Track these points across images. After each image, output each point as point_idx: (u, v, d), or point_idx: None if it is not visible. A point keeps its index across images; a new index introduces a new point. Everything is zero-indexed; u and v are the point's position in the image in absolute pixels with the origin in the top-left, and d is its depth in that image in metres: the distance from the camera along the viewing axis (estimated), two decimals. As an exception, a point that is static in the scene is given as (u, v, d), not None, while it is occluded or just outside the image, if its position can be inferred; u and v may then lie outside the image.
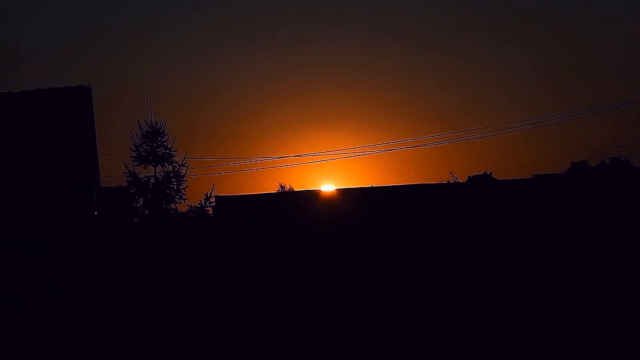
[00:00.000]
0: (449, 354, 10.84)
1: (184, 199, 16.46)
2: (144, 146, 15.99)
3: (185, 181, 16.64)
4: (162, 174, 16.15)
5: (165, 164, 16.19)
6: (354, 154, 22.14)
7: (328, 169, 23.24)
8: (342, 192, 16.28)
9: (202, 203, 16.58)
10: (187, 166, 16.96)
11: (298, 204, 15.36)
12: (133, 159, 16.00)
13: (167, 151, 16.15)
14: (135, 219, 15.86)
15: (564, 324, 11.88)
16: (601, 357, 9.85)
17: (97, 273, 13.77)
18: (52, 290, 13.19)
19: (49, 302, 12.90)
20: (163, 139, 16.23)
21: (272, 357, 10.49)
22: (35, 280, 13.10)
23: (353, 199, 15.30)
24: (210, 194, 16.66)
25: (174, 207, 16.59)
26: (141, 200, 15.90)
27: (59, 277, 13.21)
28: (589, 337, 11.04)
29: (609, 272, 14.68)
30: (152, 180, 16.07)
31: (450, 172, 19.65)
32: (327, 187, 18.44)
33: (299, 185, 21.38)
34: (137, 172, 15.97)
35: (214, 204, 16.49)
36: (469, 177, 16.40)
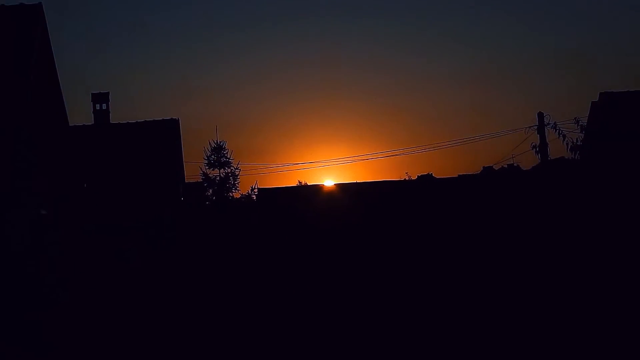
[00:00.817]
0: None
1: (238, 190, 24.63)
2: (212, 156, 23.84)
3: (238, 178, 24.62)
4: (224, 174, 24.02)
5: (226, 168, 24.07)
6: (347, 161, 33.05)
7: (330, 170, 31.94)
8: (340, 186, 23.44)
9: (249, 193, 24.68)
10: (240, 169, 24.86)
11: (309, 194, 22.64)
12: (205, 164, 23.95)
13: (226, 160, 23.97)
14: (207, 202, 23.76)
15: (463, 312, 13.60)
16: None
17: (187, 238, 21.21)
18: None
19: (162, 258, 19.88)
20: (224, 152, 24.04)
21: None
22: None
23: (348, 191, 22.39)
24: (254, 186, 24.51)
25: (231, 195, 24.47)
26: (210, 191, 23.84)
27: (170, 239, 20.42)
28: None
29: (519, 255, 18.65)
30: (217, 178, 23.91)
31: (406, 173, 27.04)
32: (329, 182, 25.49)
33: (311, 180, 29.05)
34: (208, 173, 23.96)
35: (257, 193, 24.24)
36: (418, 176, 23.10)
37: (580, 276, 15.82)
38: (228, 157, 23.79)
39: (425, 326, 12.36)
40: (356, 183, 23.78)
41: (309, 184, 27.17)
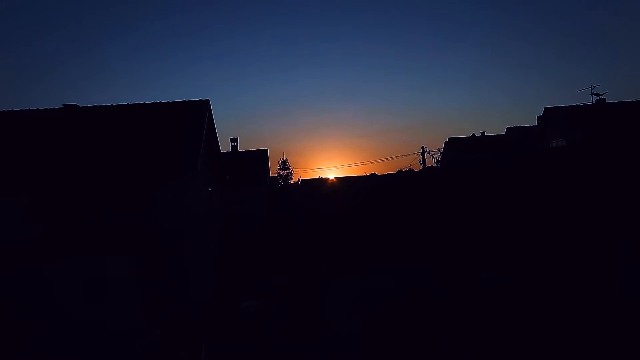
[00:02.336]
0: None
1: (292, 180, 48.45)
2: (281, 165, 47.37)
3: (292, 175, 48.22)
4: (286, 173, 47.77)
5: (287, 170, 47.70)
6: (340, 166, 59.27)
7: (333, 171, 56.66)
8: (338, 178, 46.43)
9: (297, 181, 48.31)
10: (293, 171, 48.41)
11: (323, 181, 45.66)
12: (279, 168, 47.45)
13: (287, 166, 47.46)
14: (279, 185, 47.38)
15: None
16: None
17: (271, 199, 44.44)
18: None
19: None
20: (286, 163, 47.43)
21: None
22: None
23: (341, 180, 45.08)
24: (300, 178, 48.11)
25: (290, 182, 48.25)
26: (281, 180, 47.48)
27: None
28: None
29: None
30: (284, 175, 47.69)
31: (365, 172, 49.31)
32: (331, 176, 48.74)
33: (324, 175, 53.28)
34: (280, 172, 47.59)
35: (301, 181, 47.70)
36: (370, 173, 44.95)
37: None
38: (288, 165, 47.43)
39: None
40: (344, 177, 46.78)
41: (322, 177, 50.93)
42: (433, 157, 40.11)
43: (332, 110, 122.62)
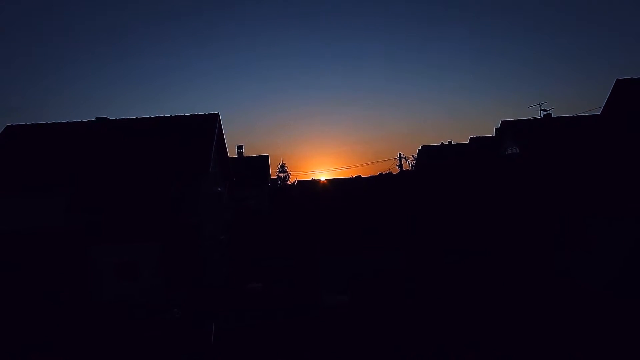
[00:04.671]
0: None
1: (289, 181, 49.13)
2: (280, 168, 48.18)
3: (290, 177, 48.94)
4: (284, 175, 48.49)
5: (285, 172, 48.43)
6: (331, 170, 59.28)
7: (325, 173, 57.40)
8: (328, 180, 47.25)
9: (294, 182, 48.99)
10: (290, 173, 49.11)
11: (317, 182, 46.45)
12: (278, 171, 48.19)
13: (285, 170, 48.23)
14: (278, 186, 48.12)
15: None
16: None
17: (272, 198, 45.25)
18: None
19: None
20: (285, 167, 48.20)
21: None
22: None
23: (331, 182, 45.92)
24: (296, 180, 48.80)
25: (287, 183, 48.94)
26: (280, 182, 48.18)
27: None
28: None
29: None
30: (282, 177, 48.38)
31: (351, 175, 50.20)
32: (323, 178, 49.56)
33: (317, 177, 53.88)
34: (278, 175, 48.30)
35: (297, 182, 48.42)
36: (355, 176, 45.84)
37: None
38: (286, 169, 48.21)
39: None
40: (333, 179, 47.62)
41: (315, 178, 51.60)
42: (409, 162, 41.05)
43: (324, 121, 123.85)
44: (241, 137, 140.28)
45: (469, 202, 23.61)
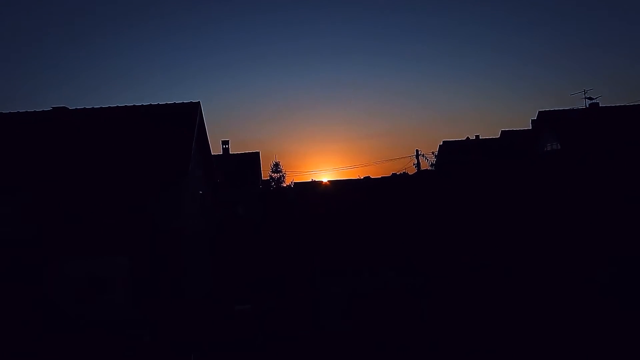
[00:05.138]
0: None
1: (284, 183, 49.24)
2: (273, 168, 48.22)
3: (285, 178, 48.97)
4: (279, 176, 48.50)
5: (280, 173, 48.46)
6: (334, 170, 59.38)
7: (327, 174, 57.15)
8: (330, 181, 47.23)
9: (290, 184, 49.04)
10: (286, 173, 49.13)
11: (316, 185, 46.48)
12: (271, 171, 48.29)
13: (280, 169, 48.30)
14: (271, 189, 48.08)
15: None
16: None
17: (263, 202, 45.19)
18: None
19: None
20: (279, 166, 48.28)
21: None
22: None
23: (333, 184, 45.99)
24: (292, 182, 48.76)
25: (282, 185, 48.94)
26: (273, 183, 48.22)
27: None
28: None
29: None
30: (276, 178, 48.42)
31: (358, 175, 50.34)
32: (325, 179, 49.54)
33: (317, 178, 53.86)
34: (272, 175, 48.37)
35: (293, 184, 48.38)
36: (364, 177, 46.01)
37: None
38: (281, 168, 48.28)
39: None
40: (337, 180, 47.46)
41: (316, 180, 51.58)
42: (428, 160, 40.93)
43: (326, 113, 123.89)
44: (227, 131, 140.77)
45: (500, 209, 23.52)
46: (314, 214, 39.21)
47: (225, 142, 46.55)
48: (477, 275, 21.00)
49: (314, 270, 25.05)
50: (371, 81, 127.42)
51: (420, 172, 39.77)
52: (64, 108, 26.44)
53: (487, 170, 28.05)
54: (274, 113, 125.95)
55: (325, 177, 55.31)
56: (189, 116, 24.85)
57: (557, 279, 19.82)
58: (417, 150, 41.74)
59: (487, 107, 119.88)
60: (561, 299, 17.92)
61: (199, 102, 25.82)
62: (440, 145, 43.97)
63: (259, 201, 43.02)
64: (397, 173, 44.85)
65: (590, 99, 30.09)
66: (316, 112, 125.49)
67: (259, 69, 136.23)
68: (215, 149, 65.30)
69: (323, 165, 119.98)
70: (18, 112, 26.34)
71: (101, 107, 26.52)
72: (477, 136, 46.61)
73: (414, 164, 40.56)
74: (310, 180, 51.58)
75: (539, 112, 28.67)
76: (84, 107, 26.66)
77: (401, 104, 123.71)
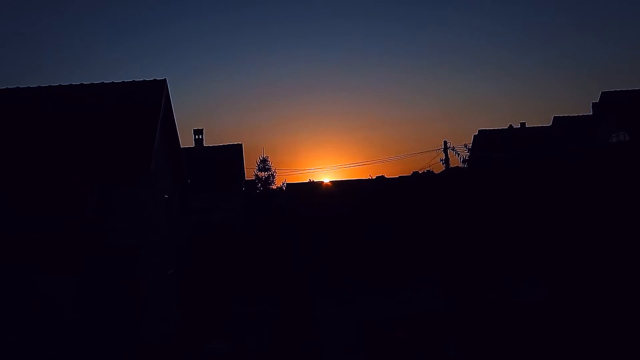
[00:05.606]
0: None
1: (274, 184, 49.28)
2: (260, 165, 48.09)
3: (275, 178, 48.91)
4: (267, 175, 48.41)
5: (268, 172, 48.38)
6: (337, 168, 59.83)
7: (327, 172, 57.67)
8: (333, 182, 46.97)
9: (281, 186, 48.97)
10: (276, 172, 49.02)
11: (315, 187, 46.22)
12: (257, 170, 48.27)
13: (268, 167, 48.18)
14: (257, 192, 47.93)
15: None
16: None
17: (246, 212, 44.98)
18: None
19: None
20: (267, 162, 48.15)
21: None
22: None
23: (337, 185, 45.76)
24: (284, 182, 48.57)
25: (270, 187, 48.88)
26: (259, 185, 48.09)
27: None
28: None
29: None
30: (263, 178, 48.30)
31: (369, 174, 49.00)
32: (326, 180, 49.27)
33: (316, 178, 53.77)
34: (258, 175, 48.27)
35: (286, 186, 48.21)
36: (376, 176, 45.59)
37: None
38: (270, 165, 48.19)
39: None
40: (342, 180, 47.19)
41: (314, 180, 51.33)
42: (459, 155, 40.44)
43: (326, 97, 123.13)
44: (200, 119, 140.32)
45: (555, 216, 23.23)
46: (312, 221, 39.13)
47: (198, 132, 46.35)
48: (525, 305, 20.63)
49: (314, 292, 24.78)
50: (385, 57, 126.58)
51: (449, 170, 39.27)
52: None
53: (536, 167, 27.70)
54: (261, 96, 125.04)
55: (326, 177, 55.21)
56: (151, 98, 24.70)
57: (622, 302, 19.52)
58: (445, 142, 41.27)
59: (534, 87, 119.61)
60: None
61: (164, 79, 25.91)
62: (475, 136, 43.77)
63: (241, 207, 42.73)
64: (420, 171, 44.45)
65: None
66: (314, 96, 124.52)
67: (241, 40, 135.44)
68: (186, 141, 64.86)
69: (323, 161, 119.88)
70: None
71: (39, 87, 26.08)
72: (522, 124, 46.34)
73: (441, 160, 39.61)
74: (307, 180, 51.21)
75: (603, 93, 28.47)
76: (17, 87, 26.34)
77: (424, 85, 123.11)
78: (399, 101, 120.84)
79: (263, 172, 48.95)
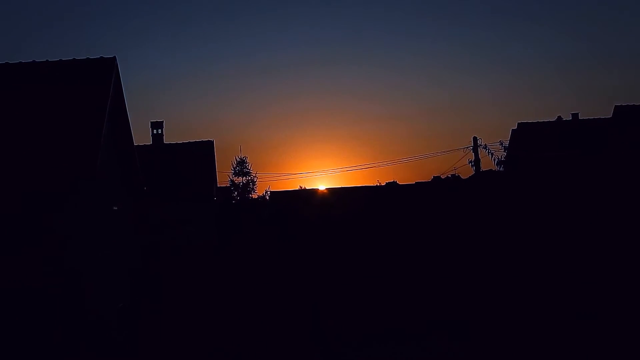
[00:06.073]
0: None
1: (255, 192, 48.96)
2: (237, 167, 47.65)
3: (256, 184, 48.57)
4: (245, 181, 47.98)
5: (247, 176, 47.95)
6: (335, 172, 60.17)
7: (323, 178, 57.70)
8: (330, 190, 46.46)
9: (264, 194, 48.74)
10: (257, 177, 48.60)
11: (308, 195, 45.70)
12: (233, 174, 47.88)
13: (247, 170, 47.74)
14: (233, 202, 47.48)
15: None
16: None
17: (220, 227, 44.53)
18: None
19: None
20: (246, 164, 47.71)
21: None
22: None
23: (335, 194, 45.12)
24: (268, 189, 48.52)
25: (250, 196, 48.46)
26: (236, 193, 47.63)
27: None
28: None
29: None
30: (241, 184, 47.87)
31: (377, 180, 47.58)
32: (322, 187, 48.97)
33: (309, 185, 53.73)
34: (234, 180, 47.81)
35: (270, 194, 47.96)
36: (386, 182, 44.74)
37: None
38: (249, 168, 47.82)
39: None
40: (342, 188, 46.99)
41: (306, 187, 51.03)
42: (492, 154, 39.97)
43: (320, 85, 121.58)
44: (160, 112, 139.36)
45: (621, 233, 22.96)
46: (303, 242, 38.85)
47: (156, 125, 45.72)
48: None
49: (313, 335, 24.49)
50: (393, 37, 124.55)
51: (480, 174, 39.28)
52: None
53: (594, 168, 27.40)
54: (236, 82, 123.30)
55: (321, 184, 54.73)
56: (97, 80, 24.71)
57: None
58: (475, 139, 40.95)
59: (590, 72, 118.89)
60: None
61: (114, 57, 25.77)
62: (513, 130, 43.37)
63: (214, 221, 42.22)
64: (443, 176, 44.23)
65: None
66: (305, 84, 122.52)
67: (217, 14, 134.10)
68: (141, 137, 64.26)
69: (318, 163, 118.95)
70: None
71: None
72: (574, 115, 45.96)
73: (469, 162, 39.30)
74: (298, 187, 50.74)
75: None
76: None
77: (446, 67, 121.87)
78: (416, 89, 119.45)
79: (240, 177, 48.32)
